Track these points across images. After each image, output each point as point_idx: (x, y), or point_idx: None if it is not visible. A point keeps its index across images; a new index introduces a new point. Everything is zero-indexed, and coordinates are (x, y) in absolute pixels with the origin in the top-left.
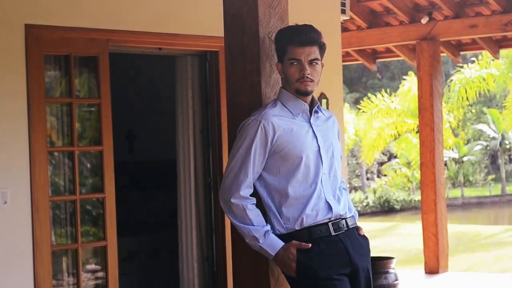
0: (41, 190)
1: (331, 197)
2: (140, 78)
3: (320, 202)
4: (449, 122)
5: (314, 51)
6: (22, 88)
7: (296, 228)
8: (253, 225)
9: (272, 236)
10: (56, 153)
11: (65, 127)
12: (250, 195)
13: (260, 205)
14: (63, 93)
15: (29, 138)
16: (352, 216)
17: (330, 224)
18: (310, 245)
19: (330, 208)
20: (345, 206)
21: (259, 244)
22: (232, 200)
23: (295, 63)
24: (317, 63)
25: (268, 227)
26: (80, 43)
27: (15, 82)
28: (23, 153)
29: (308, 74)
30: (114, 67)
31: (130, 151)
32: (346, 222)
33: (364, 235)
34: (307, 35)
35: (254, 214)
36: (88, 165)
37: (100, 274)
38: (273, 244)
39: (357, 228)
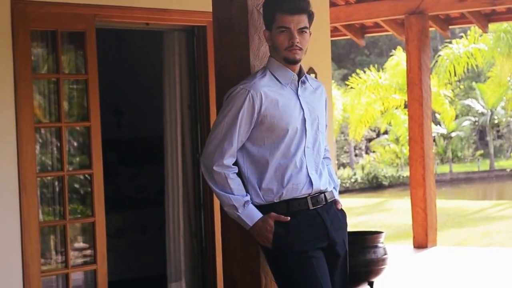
0: (29, 166)
1: (313, 171)
2: (127, 54)
3: (301, 175)
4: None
5: (303, 20)
6: (9, 64)
7: (275, 201)
8: (233, 194)
9: (251, 206)
10: (43, 130)
11: (52, 103)
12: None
13: (240, 175)
14: (50, 69)
15: (16, 114)
16: (332, 190)
17: (309, 198)
18: (289, 218)
19: (311, 183)
20: (326, 181)
21: (238, 213)
22: (214, 167)
23: (284, 31)
24: (305, 32)
25: (248, 197)
26: (66, 18)
27: (1, 58)
28: (9, 130)
29: (297, 42)
30: (101, 43)
31: (117, 127)
32: (325, 196)
33: (341, 209)
34: (296, 3)
35: (235, 183)
36: (75, 143)
37: (88, 251)
38: (252, 214)
39: (335, 202)
